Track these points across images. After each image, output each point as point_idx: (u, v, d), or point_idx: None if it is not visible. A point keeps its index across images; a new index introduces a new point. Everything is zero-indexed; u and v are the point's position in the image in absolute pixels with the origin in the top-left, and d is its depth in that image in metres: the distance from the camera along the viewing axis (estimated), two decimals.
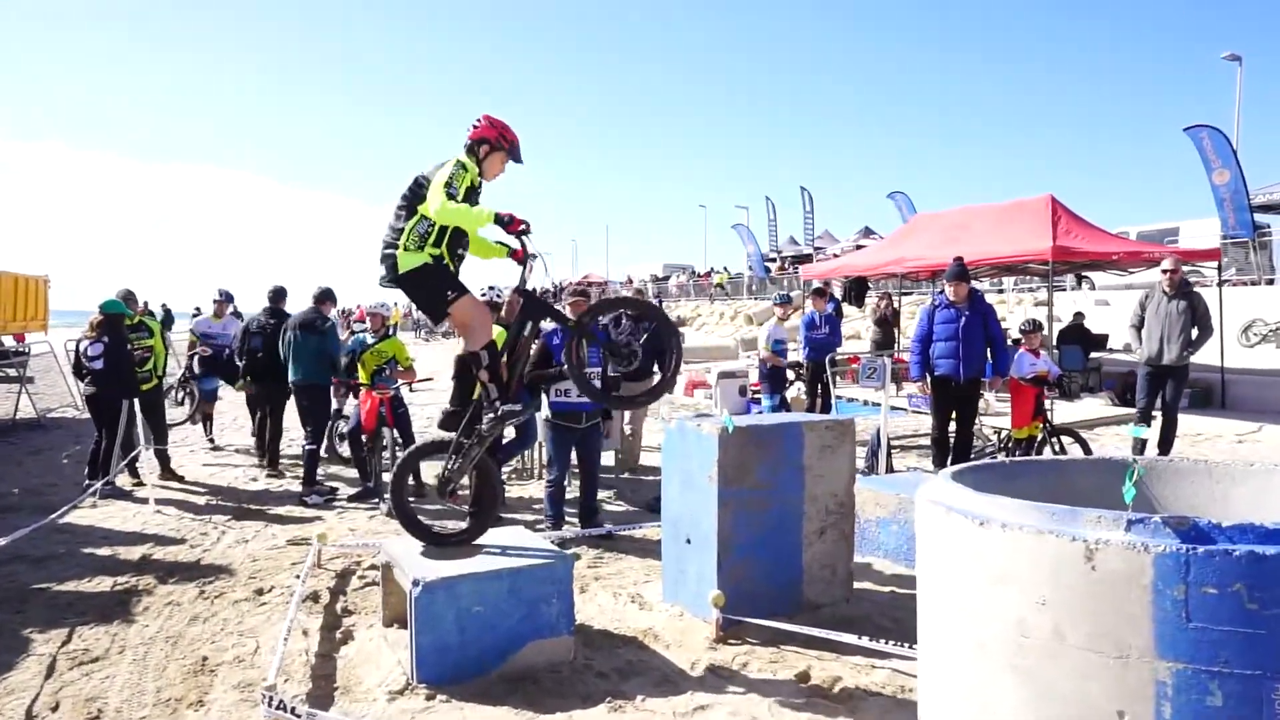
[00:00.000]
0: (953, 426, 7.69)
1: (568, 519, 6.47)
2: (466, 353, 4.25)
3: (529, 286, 4.52)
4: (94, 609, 4.84)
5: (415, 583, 3.70)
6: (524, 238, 4.07)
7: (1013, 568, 2.24)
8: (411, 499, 4.64)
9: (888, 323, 15.23)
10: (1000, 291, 24.04)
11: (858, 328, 20.60)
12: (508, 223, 3.91)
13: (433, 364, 13.27)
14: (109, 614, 4.76)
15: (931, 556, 2.58)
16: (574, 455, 6.47)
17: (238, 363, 9.04)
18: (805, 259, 32.74)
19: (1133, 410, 10.82)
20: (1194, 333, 8.29)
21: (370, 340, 7.95)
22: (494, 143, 4.19)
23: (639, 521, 6.72)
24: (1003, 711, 2.24)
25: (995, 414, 9.71)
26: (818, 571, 4.69)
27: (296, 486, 7.92)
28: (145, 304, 9.75)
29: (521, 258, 4.21)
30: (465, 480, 4.57)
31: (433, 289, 4.05)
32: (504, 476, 7.65)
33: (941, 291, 8.00)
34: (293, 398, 8.10)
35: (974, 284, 8.23)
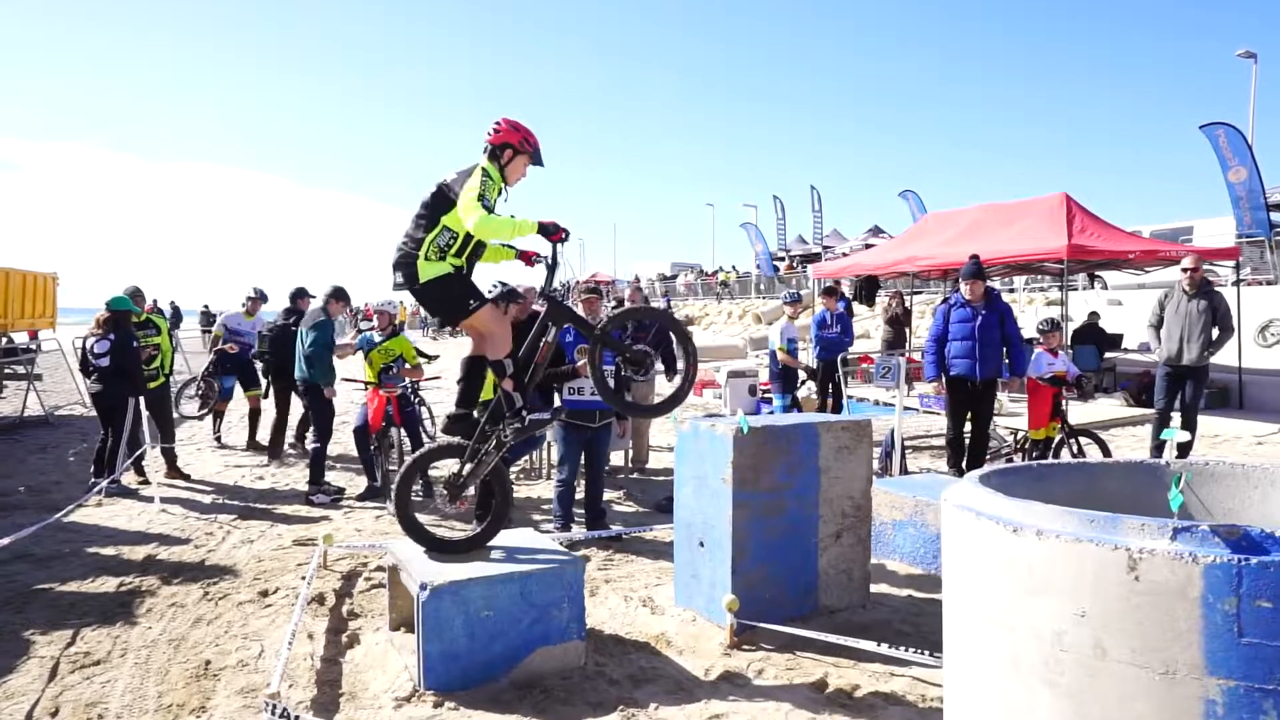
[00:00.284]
0: (967, 427, 7.57)
1: (574, 520, 6.38)
2: (491, 361, 4.16)
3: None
4: (96, 610, 4.76)
5: (423, 586, 3.61)
6: (558, 246, 3.99)
7: (1049, 578, 2.13)
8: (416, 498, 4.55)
9: (899, 322, 15.09)
10: (1011, 291, 23.85)
11: (867, 327, 20.47)
12: (552, 232, 3.84)
13: (445, 361, 13.17)
14: (112, 615, 4.68)
15: (959, 564, 2.47)
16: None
17: (256, 365, 9.03)
18: (814, 258, 32.61)
19: (1148, 411, 10.68)
20: (1214, 333, 8.14)
21: (378, 338, 7.87)
22: (517, 147, 4.11)
23: (648, 522, 6.63)
24: None
25: (1007, 414, 9.59)
26: (834, 576, 4.58)
27: (303, 486, 7.84)
28: (154, 302, 9.72)
29: (530, 259, 4.14)
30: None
31: (455, 299, 4.01)
32: (511, 476, 7.56)
33: (957, 290, 7.87)
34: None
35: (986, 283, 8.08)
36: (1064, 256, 11.69)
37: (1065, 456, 7.48)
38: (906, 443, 8.42)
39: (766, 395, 11.16)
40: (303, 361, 7.75)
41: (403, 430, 7.58)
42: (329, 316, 8.10)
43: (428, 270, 3.93)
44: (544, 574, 3.83)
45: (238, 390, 10.43)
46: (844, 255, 27.89)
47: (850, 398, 10.82)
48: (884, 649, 3.70)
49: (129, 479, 8.08)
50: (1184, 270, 8.44)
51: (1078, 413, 10.14)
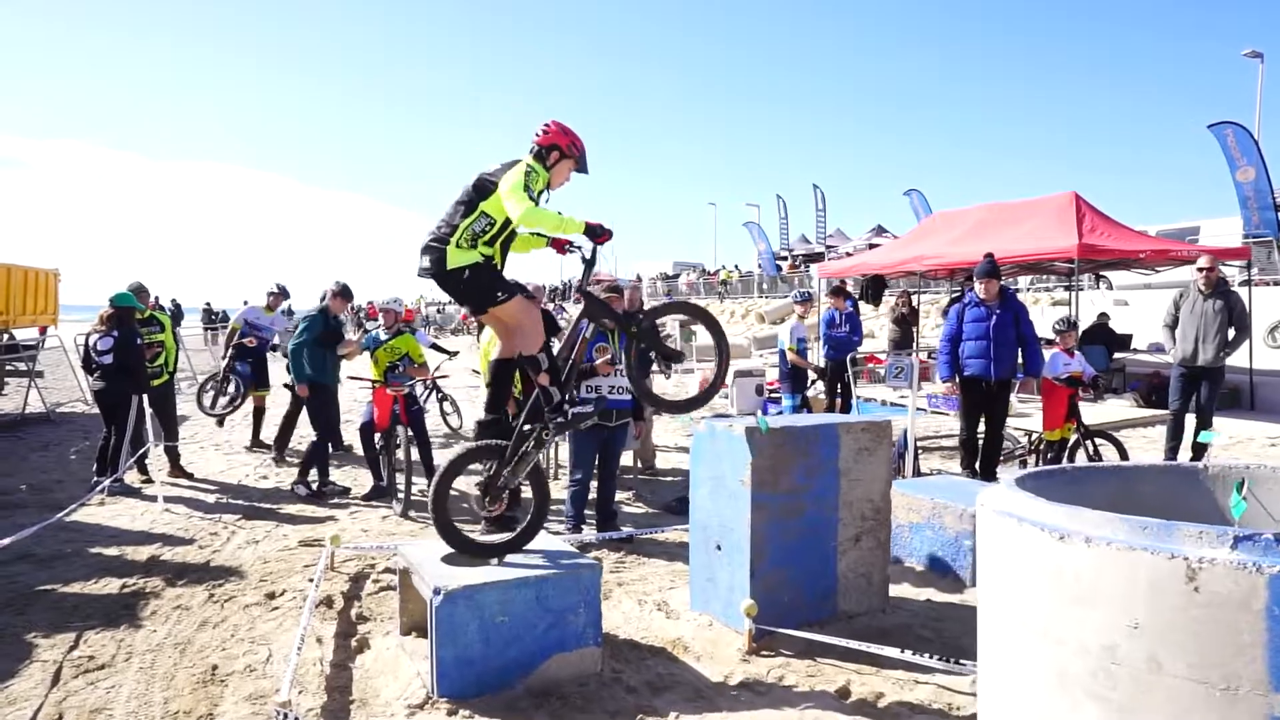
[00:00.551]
0: (980, 428, 7.48)
1: (586, 521, 6.28)
2: (525, 357, 4.07)
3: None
4: (100, 612, 4.67)
5: (437, 591, 3.52)
6: (598, 247, 3.91)
7: (1100, 588, 2.03)
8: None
9: (906, 322, 14.98)
10: (1016, 291, 23.77)
11: (872, 327, 20.37)
12: (599, 234, 3.76)
13: (458, 360, 13.05)
14: (116, 618, 4.59)
15: (999, 572, 2.37)
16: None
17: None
18: (817, 257, 32.52)
19: (1158, 412, 10.59)
20: (1231, 333, 8.04)
21: (383, 337, 7.79)
22: (564, 150, 4.04)
23: (659, 524, 6.54)
24: None
25: (1017, 414, 9.48)
26: (853, 580, 4.49)
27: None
28: (156, 299, 9.62)
29: (563, 248, 4.04)
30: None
31: (483, 288, 3.93)
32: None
33: (970, 289, 7.77)
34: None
35: None
36: (1075, 256, 11.59)
37: (1081, 458, 7.39)
38: (917, 444, 8.33)
39: (774, 395, 11.08)
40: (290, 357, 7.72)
41: (409, 429, 7.48)
42: (329, 313, 8.02)
43: (456, 257, 3.87)
44: (560, 578, 3.74)
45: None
46: (848, 254, 27.79)
47: (859, 398, 10.73)
48: (908, 655, 3.61)
49: (132, 478, 7.99)
50: (1200, 270, 8.33)
51: (1087, 414, 10.05)
